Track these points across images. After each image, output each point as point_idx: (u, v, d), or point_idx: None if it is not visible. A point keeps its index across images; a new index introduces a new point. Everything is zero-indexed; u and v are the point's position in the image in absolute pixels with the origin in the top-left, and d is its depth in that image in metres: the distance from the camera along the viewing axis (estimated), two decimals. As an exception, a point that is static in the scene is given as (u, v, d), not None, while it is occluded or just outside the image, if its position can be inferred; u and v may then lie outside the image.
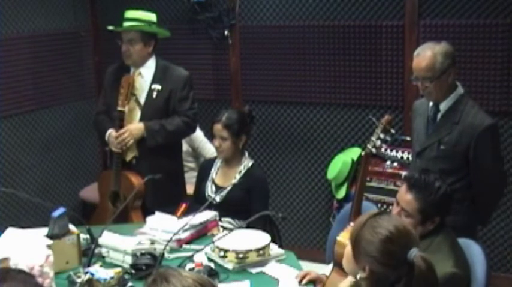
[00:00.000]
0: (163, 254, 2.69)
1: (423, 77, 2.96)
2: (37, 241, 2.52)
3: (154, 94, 3.64)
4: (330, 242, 3.13)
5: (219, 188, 3.39)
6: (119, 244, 2.74)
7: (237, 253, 2.71)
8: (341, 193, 4.25)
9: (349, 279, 2.15)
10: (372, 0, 4.19)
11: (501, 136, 3.62)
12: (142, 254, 2.68)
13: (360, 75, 4.30)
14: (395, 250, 1.91)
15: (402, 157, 4.03)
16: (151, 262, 2.64)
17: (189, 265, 2.59)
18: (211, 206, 3.21)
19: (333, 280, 2.52)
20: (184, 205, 3.18)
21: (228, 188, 3.33)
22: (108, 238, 2.79)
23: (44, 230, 2.69)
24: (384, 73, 4.22)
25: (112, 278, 2.47)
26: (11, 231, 2.61)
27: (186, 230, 2.92)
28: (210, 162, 3.57)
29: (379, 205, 3.91)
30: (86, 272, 2.45)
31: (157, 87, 3.64)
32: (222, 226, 3.20)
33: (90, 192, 4.74)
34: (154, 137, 3.58)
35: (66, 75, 4.86)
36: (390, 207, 3.17)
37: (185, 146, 4.20)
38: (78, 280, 2.40)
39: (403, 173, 3.85)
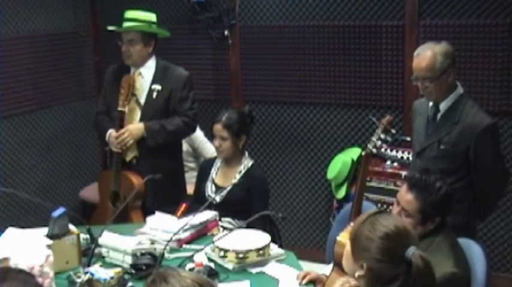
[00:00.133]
0: (163, 254, 2.69)
1: (423, 77, 2.96)
2: (37, 241, 2.51)
3: (155, 94, 3.64)
4: (330, 242, 3.13)
5: (219, 188, 3.39)
6: (119, 244, 2.74)
7: (237, 253, 2.71)
8: (341, 193, 4.25)
9: (342, 279, 2.16)
10: (372, 0, 4.19)
11: (501, 136, 3.62)
12: (142, 254, 2.68)
13: (360, 75, 4.29)
14: (393, 248, 1.91)
15: (402, 157, 4.03)
16: (151, 262, 2.64)
17: (189, 265, 2.59)
18: (211, 206, 3.20)
19: (333, 280, 2.50)
20: (184, 205, 3.18)
21: (228, 188, 3.33)
22: (108, 238, 2.79)
23: (44, 230, 2.69)
24: (383, 73, 4.22)
25: (112, 278, 2.47)
26: (11, 231, 2.61)
27: (186, 230, 2.92)
28: (210, 162, 3.57)
29: (379, 205, 3.91)
30: (86, 272, 2.45)
31: (158, 87, 3.63)
32: (222, 226, 3.20)
33: (90, 192, 4.74)
34: (155, 137, 3.58)
35: (66, 75, 4.86)
36: (390, 207, 3.16)
37: (185, 146, 4.20)
38: (78, 280, 2.40)
39: (403, 173, 3.85)
